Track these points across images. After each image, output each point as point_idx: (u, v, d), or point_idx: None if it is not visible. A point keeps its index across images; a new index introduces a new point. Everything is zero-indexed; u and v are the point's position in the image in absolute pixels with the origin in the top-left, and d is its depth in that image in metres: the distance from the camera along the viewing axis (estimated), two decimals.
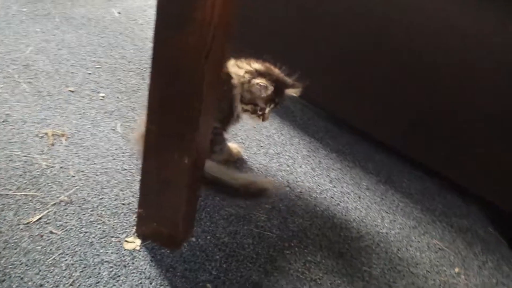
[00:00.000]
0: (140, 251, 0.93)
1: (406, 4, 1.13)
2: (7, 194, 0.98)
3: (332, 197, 1.20)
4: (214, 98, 0.86)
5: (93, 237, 0.94)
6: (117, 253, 0.92)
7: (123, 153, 1.19)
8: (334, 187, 1.24)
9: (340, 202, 1.19)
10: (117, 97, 1.40)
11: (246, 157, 1.28)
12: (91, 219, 0.97)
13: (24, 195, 0.99)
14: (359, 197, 1.22)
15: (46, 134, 1.17)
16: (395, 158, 1.40)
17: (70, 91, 1.37)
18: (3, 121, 1.18)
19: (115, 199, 1.04)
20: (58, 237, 0.92)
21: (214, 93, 0.84)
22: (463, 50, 1.08)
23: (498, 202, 1.16)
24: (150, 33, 1.80)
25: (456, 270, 1.07)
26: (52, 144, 1.15)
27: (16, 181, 1.02)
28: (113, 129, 1.26)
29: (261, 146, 1.34)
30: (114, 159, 1.16)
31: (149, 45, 1.72)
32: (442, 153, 1.22)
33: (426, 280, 1.02)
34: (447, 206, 1.27)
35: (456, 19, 1.07)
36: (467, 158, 1.17)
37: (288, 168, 1.27)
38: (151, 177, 0.91)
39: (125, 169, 1.13)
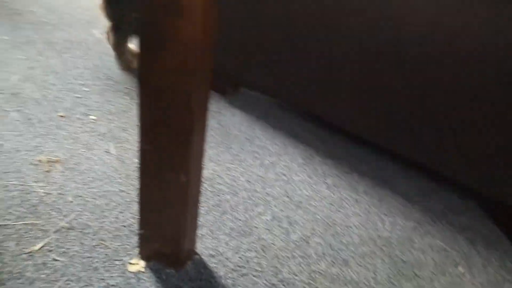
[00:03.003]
0: (145, 273, 0.93)
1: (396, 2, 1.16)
2: (7, 225, 0.97)
3: (331, 204, 1.21)
4: (204, 114, 0.86)
5: (97, 262, 0.93)
6: (122, 276, 0.91)
7: (119, 174, 1.18)
8: (332, 193, 1.25)
9: (339, 208, 1.20)
10: (108, 119, 1.40)
11: (242, 170, 1.28)
12: (93, 244, 0.96)
13: (24, 224, 0.98)
14: (358, 202, 1.23)
15: (41, 161, 1.16)
16: (390, 160, 1.42)
17: (61, 116, 1.36)
18: None
19: (116, 222, 1.03)
20: (62, 264, 0.91)
21: (204, 109, 0.85)
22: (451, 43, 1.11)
23: (497, 195, 1.17)
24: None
25: (461, 269, 1.08)
26: (48, 171, 1.14)
27: (15, 210, 1.00)
28: (107, 151, 1.25)
29: (256, 157, 1.34)
30: (110, 181, 1.15)
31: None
32: (436, 150, 1.24)
33: (431, 281, 1.03)
34: (445, 205, 1.29)
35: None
36: (462, 154, 1.20)
37: (285, 178, 1.28)
38: (149, 197, 0.91)
39: (123, 191, 1.13)
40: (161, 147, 0.85)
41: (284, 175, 1.29)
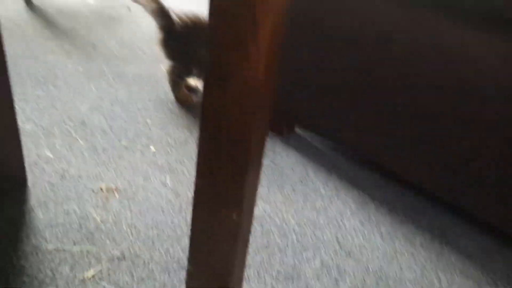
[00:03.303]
0: None
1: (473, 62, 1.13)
2: (64, 249, 1.01)
3: (384, 255, 1.16)
4: (261, 154, 0.87)
5: None
6: None
7: (173, 207, 1.20)
8: (386, 244, 1.20)
9: (393, 260, 1.15)
10: (167, 151, 1.44)
11: (293, 211, 1.27)
12: (143, 275, 0.98)
13: (80, 250, 1.01)
14: (413, 255, 1.17)
15: (101, 189, 1.21)
16: (449, 212, 1.35)
17: (124, 146, 1.42)
18: (61, 177, 1.24)
19: (166, 255, 1.05)
20: None
21: (260, 149, 0.85)
22: None
23: None
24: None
25: None
26: (106, 199, 1.19)
27: (72, 235, 1.05)
28: (163, 183, 1.29)
29: (308, 200, 1.32)
30: (164, 213, 1.18)
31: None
32: (502, 207, 1.16)
33: None
34: (508, 266, 1.20)
35: None
36: None
37: (337, 223, 1.25)
38: (200, 233, 0.92)
39: (175, 223, 1.15)
40: (215, 183, 0.86)
41: (336, 220, 1.26)
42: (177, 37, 1.59)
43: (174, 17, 1.57)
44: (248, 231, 0.93)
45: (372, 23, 1.25)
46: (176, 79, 1.66)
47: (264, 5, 0.65)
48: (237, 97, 0.76)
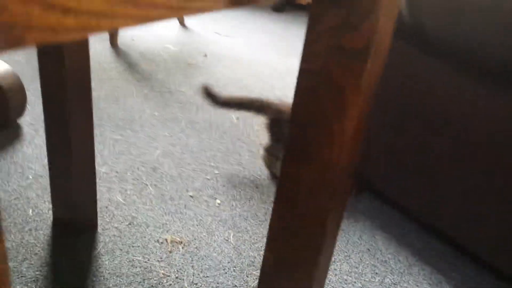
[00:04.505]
0: None
1: None
2: None
3: None
4: (336, 234, 0.83)
5: None
6: None
7: (234, 267, 1.18)
8: None
9: None
10: (232, 205, 1.43)
11: (360, 285, 1.19)
12: None
13: None
14: None
15: (166, 240, 1.22)
16: None
17: (190, 196, 1.43)
18: (129, 224, 1.26)
19: None
20: None
21: (336, 229, 0.81)
22: None
23: None
24: (264, 139, 1.87)
25: None
26: (170, 251, 1.18)
27: None
28: (226, 240, 1.27)
29: (376, 273, 1.24)
30: (225, 273, 1.15)
31: (263, 152, 1.78)
32: None
33: None
34: None
35: None
36: None
37: None
38: None
39: (236, 286, 1.11)
40: (285, 258, 0.83)
41: None
42: (285, 122, 1.59)
43: (282, 106, 1.60)
44: None
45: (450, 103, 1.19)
46: (274, 158, 1.67)
47: (355, 88, 0.63)
48: (315, 177, 0.74)
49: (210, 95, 1.62)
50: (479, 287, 1.25)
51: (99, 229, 1.22)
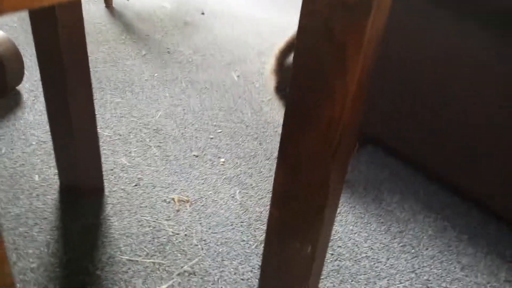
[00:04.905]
0: None
1: None
2: (137, 261, 1.03)
3: None
4: (339, 192, 0.83)
5: None
6: None
7: (242, 222, 1.19)
8: (466, 276, 1.12)
9: None
10: (236, 163, 1.44)
11: (366, 234, 1.21)
12: None
13: (152, 262, 1.03)
14: None
15: (173, 199, 1.23)
16: None
17: (194, 155, 1.44)
18: (136, 185, 1.27)
19: (235, 273, 1.04)
20: None
21: (340, 187, 0.82)
22: None
23: None
24: (266, 96, 1.86)
25: None
26: (178, 210, 1.20)
27: (145, 247, 1.07)
28: (232, 196, 1.28)
29: (381, 222, 1.26)
30: (233, 228, 1.17)
31: (265, 108, 1.77)
32: None
33: None
34: None
35: None
36: None
37: (413, 250, 1.18)
38: (271, 263, 0.89)
39: (244, 240, 1.14)
40: (289, 216, 0.83)
41: (412, 246, 1.19)
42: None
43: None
44: (321, 265, 0.89)
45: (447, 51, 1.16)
46: (282, 64, 1.64)
47: (357, 44, 0.61)
48: (317, 137, 0.73)
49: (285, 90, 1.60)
50: (484, 232, 1.27)
51: (106, 192, 1.23)
